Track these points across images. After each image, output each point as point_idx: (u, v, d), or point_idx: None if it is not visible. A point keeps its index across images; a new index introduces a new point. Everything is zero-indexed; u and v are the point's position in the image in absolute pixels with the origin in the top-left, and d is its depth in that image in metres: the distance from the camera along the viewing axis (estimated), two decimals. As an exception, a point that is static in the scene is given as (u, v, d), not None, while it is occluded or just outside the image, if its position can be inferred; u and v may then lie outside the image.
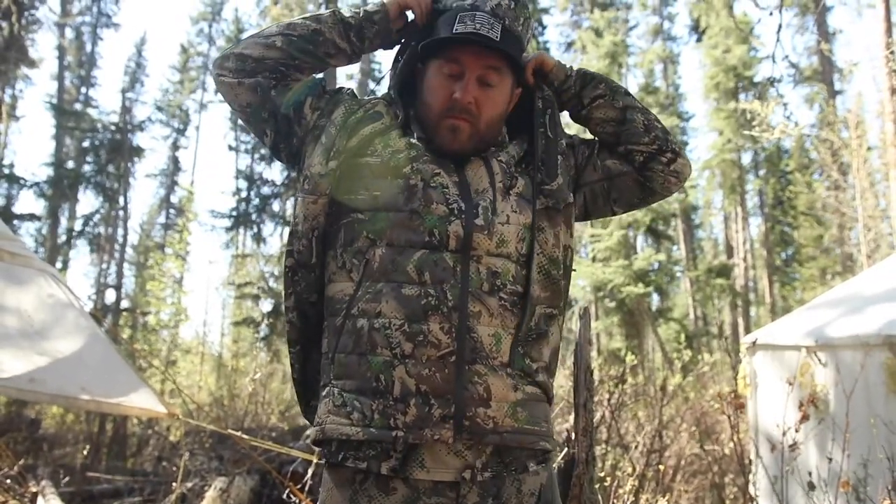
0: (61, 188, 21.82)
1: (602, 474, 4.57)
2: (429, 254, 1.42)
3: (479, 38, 1.46)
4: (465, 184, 1.49)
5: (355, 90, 1.68)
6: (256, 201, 23.40)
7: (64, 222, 23.12)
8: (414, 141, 1.53)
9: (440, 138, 1.51)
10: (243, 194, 24.01)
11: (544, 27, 24.49)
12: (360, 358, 1.42)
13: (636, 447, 5.66)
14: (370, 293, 1.43)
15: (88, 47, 25.55)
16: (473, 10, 1.50)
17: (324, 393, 1.50)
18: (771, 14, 5.86)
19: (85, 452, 7.79)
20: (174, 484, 5.66)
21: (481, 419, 1.39)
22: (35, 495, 5.29)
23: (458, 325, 1.39)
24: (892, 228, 13.40)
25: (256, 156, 24.73)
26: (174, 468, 6.66)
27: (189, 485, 6.16)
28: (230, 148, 25.67)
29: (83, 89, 25.48)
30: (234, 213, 23.38)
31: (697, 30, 22.85)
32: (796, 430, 3.88)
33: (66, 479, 6.64)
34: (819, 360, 4.57)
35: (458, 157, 1.53)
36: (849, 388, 3.92)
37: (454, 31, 1.48)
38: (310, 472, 4.67)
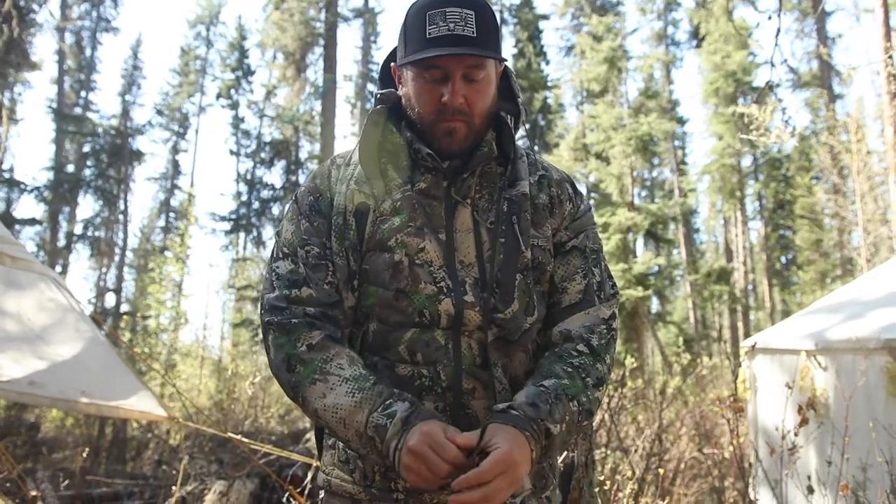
0: (61, 192, 21.85)
1: (602, 478, 4.57)
2: (420, 332, 1.41)
3: (456, 43, 1.38)
4: (452, 250, 1.45)
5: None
6: (256, 205, 23.49)
7: (64, 226, 23.15)
8: (398, 197, 1.47)
9: (437, 142, 1.47)
10: (243, 198, 24.05)
11: (541, 31, 24.56)
12: None
13: (636, 451, 5.66)
14: (368, 365, 1.43)
15: (88, 51, 25.61)
16: (442, 4, 1.40)
17: (329, 442, 1.53)
18: (770, 18, 5.87)
19: (84, 456, 7.77)
20: (174, 487, 5.66)
21: None
22: (35, 499, 5.28)
23: (452, 403, 1.40)
24: (892, 232, 13.40)
25: (257, 160, 24.77)
26: (174, 472, 6.67)
27: (189, 488, 6.15)
28: (231, 152, 25.73)
29: (83, 93, 25.55)
30: (234, 217, 23.43)
31: (697, 35, 22.91)
32: (796, 434, 3.88)
33: (66, 482, 6.63)
34: (819, 364, 4.58)
35: (454, 172, 1.49)
36: (848, 391, 3.92)
37: (428, 35, 1.39)
38: (309, 475, 4.67)
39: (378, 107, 1.55)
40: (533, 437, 1.28)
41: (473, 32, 1.39)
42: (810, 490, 3.85)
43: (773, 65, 5.66)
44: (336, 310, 1.46)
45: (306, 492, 4.52)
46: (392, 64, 1.56)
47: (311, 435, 7.90)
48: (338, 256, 1.47)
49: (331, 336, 1.42)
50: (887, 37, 11.15)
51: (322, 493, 1.53)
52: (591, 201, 18.29)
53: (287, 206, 1.58)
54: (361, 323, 1.47)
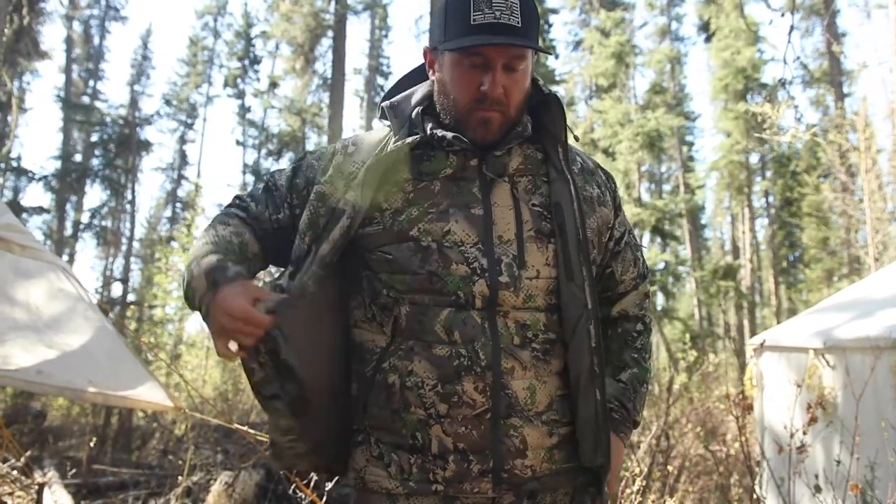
0: (69, 181, 21.92)
1: (608, 474, 4.56)
2: (455, 312, 1.38)
3: (501, 32, 1.35)
4: (490, 224, 1.42)
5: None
6: (263, 197, 23.40)
7: (71, 215, 23.21)
8: (409, 189, 1.44)
9: (471, 131, 1.43)
10: (250, 189, 24.04)
11: (550, 25, 24.45)
12: (393, 414, 1.42)
13: (641, 447, 5.65)
14: (402, 350, 1.41)
15: (96, 40, 25.63)
16: None
17: (359, 439, 1.49)
18: (783, 15, 5.82)
19: (91, 445, 7.80)
20: (180, 477, 5.67)
21: (519, 470, 1.39)
22: (41, 487, 5.30)
23: (492, 382, 1.36)
24: (901, 231, 13.35)
25: (264, 151, 24.78)
26: (180, 462, 6.68)
27: (194, 478, 6.17)
28: (238, 143, 25.74)
29: (91, 82, 25.57)
30: (241, 208, 23.39)
31: (707, 30, 22.78)
32: (804, 433, 3.87)
33: (73, 470, 6.66)
34: (827, 363, 4.56)
35: (485, 149, 1.45)
36: (857, 390, 3.90)
37: (472, 21, 1.35)
38: (316, 467, 4.66)
39: (410, 139, 1.46)
40: (627, 436, 1.58)
41: (518, 22, 1.36)
42: (818, 489, 3.83)
43: (785, 62, 5.61)
44: (265, 236, 1.55)
45: (312, 483, 4.52)
46: (425, 47, 1.53)
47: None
48: (300, 237, 1.49)
49: (247, 221, 1.55)
50: (900, 34, 11.06)
51: (353, 493, 1.50)
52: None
53: (305, 154, 1.63)
54: (391, 308, 1.43)
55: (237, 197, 1.62)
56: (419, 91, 1.56)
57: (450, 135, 1.44)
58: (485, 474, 1.37)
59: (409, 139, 1.45)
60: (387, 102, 1.56)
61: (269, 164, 24.50)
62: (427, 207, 1.42)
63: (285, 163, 24.15)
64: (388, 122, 1.54)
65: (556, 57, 24.58)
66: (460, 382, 1.36)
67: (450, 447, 1.37)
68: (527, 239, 1.43)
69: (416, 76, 1.61)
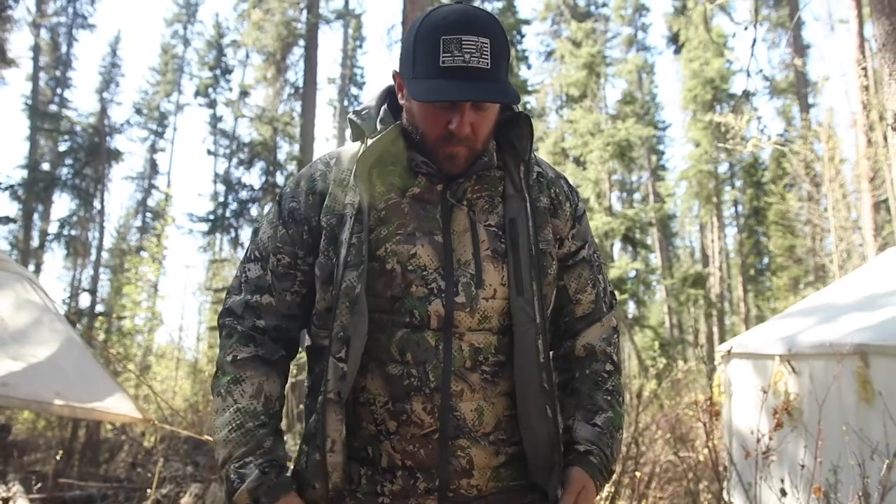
0: (36, 191, 21.58)
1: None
2: (410, 333, 1.40)
3: (470, 76, 1.33)
4: (450, 251, 1.44)
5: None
6: (234, 206, 23.27)
7: (39, 225, 22.85)
8: (381, 206, 1.45)
9: (438, 164, 1.45)
10: (221, 199, 23.86)
11: (523, 35, 24.64)
12: (346, 427, 1.43)
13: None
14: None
15: (64, 48, 25.30)
16: (458, 31, 1.33)
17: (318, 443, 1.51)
18: (746, 29, 5.95)
19: (57, 458, 7.67)
20: (149, 490, 5.61)
21: (465, 489, 1.41)
22: (6, 501, 5.21)
23: (440, 404, 1.39)
24: (864, 239, 13.62)
25: (235, 160, 24.61)
26: (148, 474, 6.60)
27: (164, 491, 6.11)
28: (209, 152, 25.54)
29: (58, 90, 25.21)
30: (212, 218, 23.24)
31: (676, 41, 23.13)
32: (770, 438, 3.94)
33: (38, 485, 6.55)
34: (792, 369, 4.64)
35: (451, 177, 1.47)
36: (821, 396, 3.98)
37: (441, 63, 1.33)
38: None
39: (398, 122, 1.50)
40: (601, 484, 1.52)
41: (488, 64, 1.34)
42: (783, 493, 3.90)
43: (748, 74, 5.74)
44: (293, 322, 1.52)
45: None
46: (394, 71, 1.52)
47: (286, 438, 7.86)
48: (323, 255, 1.45)
49: (260, 357, 1.48)
50: (861, 48, 11.36)
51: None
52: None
53: (271, 205, 1.58)
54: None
55: (242, 310, 1.52)
56: (380, 94, 1.58)
57: (420, 158, 1.46)
58: (430, 492, 1.39)
59: (392, 126, 1.47)
60: (351, 114, 1.57)
61: (240, 174, 24.32)
62: (396, 228, 1.44)
63: (257, 172, 24.16)
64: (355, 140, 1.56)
65: (530, 67, 24.77)
66: (409, 402, 1.39)
67: (398, 463, 1.39)
68: (484, 258, 1.45)
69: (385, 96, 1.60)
